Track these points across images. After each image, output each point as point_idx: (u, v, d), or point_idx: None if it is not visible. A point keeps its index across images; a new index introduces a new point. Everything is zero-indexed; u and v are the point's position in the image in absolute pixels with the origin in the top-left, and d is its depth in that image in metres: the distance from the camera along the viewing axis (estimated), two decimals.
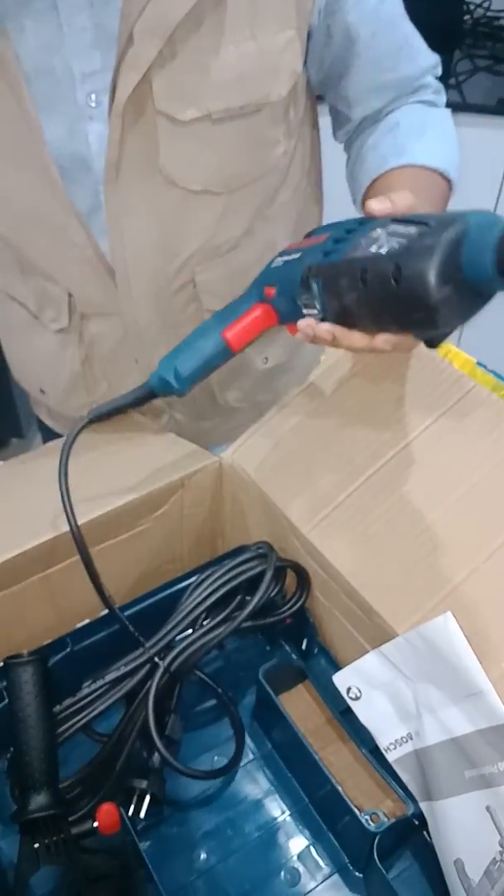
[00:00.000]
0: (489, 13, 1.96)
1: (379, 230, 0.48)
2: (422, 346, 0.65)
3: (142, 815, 0.59)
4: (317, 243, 0.54)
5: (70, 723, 0.60)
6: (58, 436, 0.94)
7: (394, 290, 0.44)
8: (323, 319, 0.53)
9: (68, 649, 0.64)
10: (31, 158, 0.65)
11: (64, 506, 0.61)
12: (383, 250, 0.45)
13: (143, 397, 0.66)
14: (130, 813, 0.58)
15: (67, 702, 0.60)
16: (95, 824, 0.55)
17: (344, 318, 0.51)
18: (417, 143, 0.75)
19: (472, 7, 1.96)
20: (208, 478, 0.72)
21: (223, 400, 0.90)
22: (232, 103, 0.66)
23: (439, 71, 0.81)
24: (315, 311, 0.53)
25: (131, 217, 0.69)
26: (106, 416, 0.66)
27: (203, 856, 0.59)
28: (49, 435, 1.02)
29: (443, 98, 0.83)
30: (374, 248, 0.46)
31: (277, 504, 0.66)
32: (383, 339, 0.51)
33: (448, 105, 1.93)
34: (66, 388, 0.87)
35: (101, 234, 0.71)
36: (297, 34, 0.67)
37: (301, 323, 0.54)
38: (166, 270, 0.74)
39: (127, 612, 0.66)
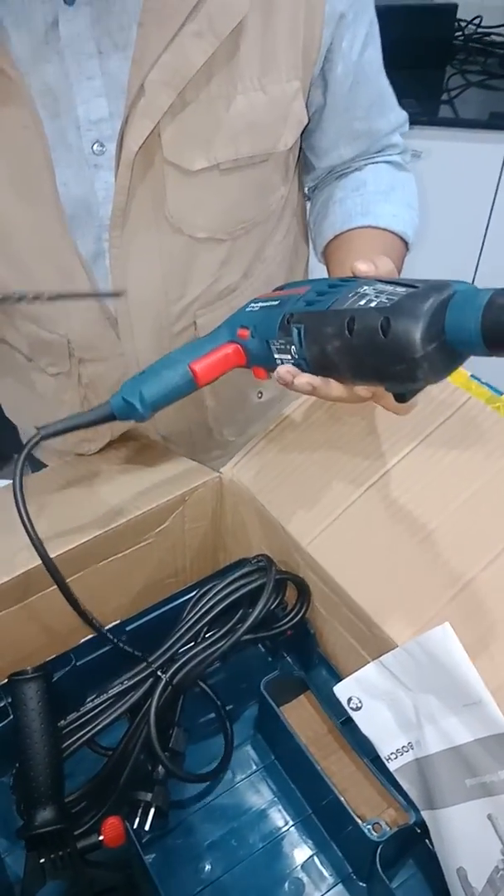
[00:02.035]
0: (480, 29, 1.99)
1: (366, 287, 0.50)
2: None
3: (147, 827, 0.59)
4: (297, 294, 0.56)
5: (75, 737, 0.60)
6: (41, 465, 0.95)
7: (380, 341, 0.46)
8: (297, 366, 0.55)
9: (72, 664, 0.64)
10: (43, 196, 0.64)
11: (26, 529, 0.59)
12: (372, 304, 0.48)
13: (101, 419, 0.65)
14: (135, 826, 0.59)
15: (72, 717, 0.61)
16: (101, 838, 0.56)
17: (321, 365, 0.53)
18: (383, 205, 0.78)
19: (463, 24, 1.99)
20: (209, 493, 0.72)
21: (219, 434, 0.91)
22: (241, 153, 0.66)
23: (406, 128, 0.83)
24: (287, 357, 0.56)
25: (135, 263, 0.69)
26: (58, 434, 0.64)
27: (208, 867, 0.60)
28: (39, 465, 1.01)
29: (408, 158, 0.86)
30: (362, 302, 0.49)
31: (277, 518, 0.67)
32: (359, 390, 0.53)
33: (441, 120, 1.97)
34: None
35: (102, 280, 0.71)
36: (302, 85, 0.68)
37: (281, 369, 0.55)
38: (168, 314, 0.74)
39: (130, 627, 0.67)
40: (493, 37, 1.99)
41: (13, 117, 0.60)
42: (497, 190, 1.84)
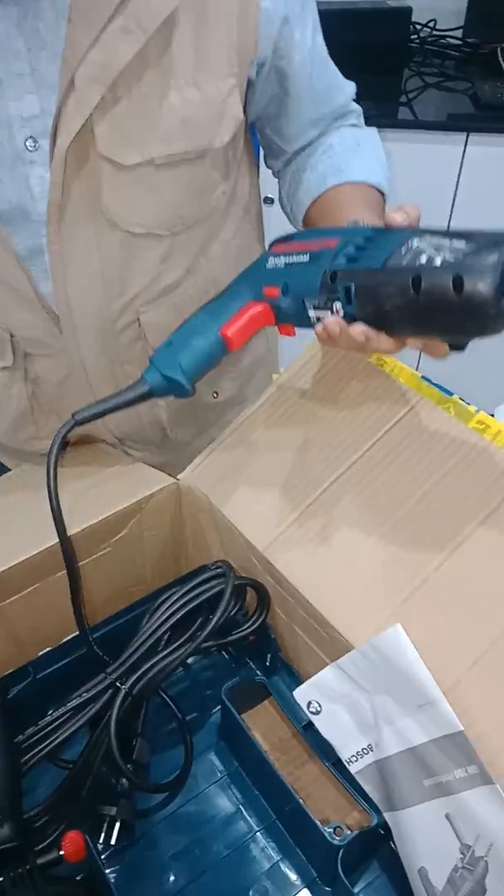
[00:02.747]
0: (435, 32, 2.01)
1: (416, 241, 0.50)
2: (367, 362, 0.67)
3: (112, 841, 0.59)
4: (327, 247, 0.55)
5: (34, 751, 0.60)
6: (6, 469, 0.93)
7: (452, 299, 0.46)
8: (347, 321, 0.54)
9: (31, 677, 0.64)
10: None
11: (53, 514, 0.62)
12: (437, 262, 0.48)
13: (137, 398, 0.63)
14: (101, 840, 0.58)
15: (30, 731, 0.60)
16: (61, 853, 0.55)
17: (374, 322, 0.53)
18: (353, 160, 0.79)
19: (418, 27, 2.00)
20: (166, 500, 0.72)
21: (174, 435, 0.90)
22: (175, 149, 0.67)
23: (354, 93, 0.85)
24: (327, 314, 0.55)
25: (74, 259, 0.69)
26: (93, 418, 0.64)
27: (172, 878, 0.59)
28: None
29: (362, 120, 0.87)
30: (423, 259, 0.49)
31: (234, 523, 0.66)
32: (412, 343, 0.53)
33: (400, 122, 1.98)
34: (13, 423, 0.86)
35: (42, 277, 0.71)
36: (238, 82, 0.68)
37: (330, 322, 0.54)
38: (110, 311, 0.74)
39: (91, 637, 0.66)
40: (449, 39, 2.01)
41: None
42: (456, 190, 1.86)
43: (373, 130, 0.85)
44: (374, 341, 0.53)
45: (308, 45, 0.73)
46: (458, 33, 2.00)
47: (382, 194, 0.78)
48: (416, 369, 0.67)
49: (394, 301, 0.50)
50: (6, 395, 0.82)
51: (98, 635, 0.67)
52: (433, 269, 0.48)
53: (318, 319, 0.56)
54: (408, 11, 1.90)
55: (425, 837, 0.52)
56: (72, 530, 0.67)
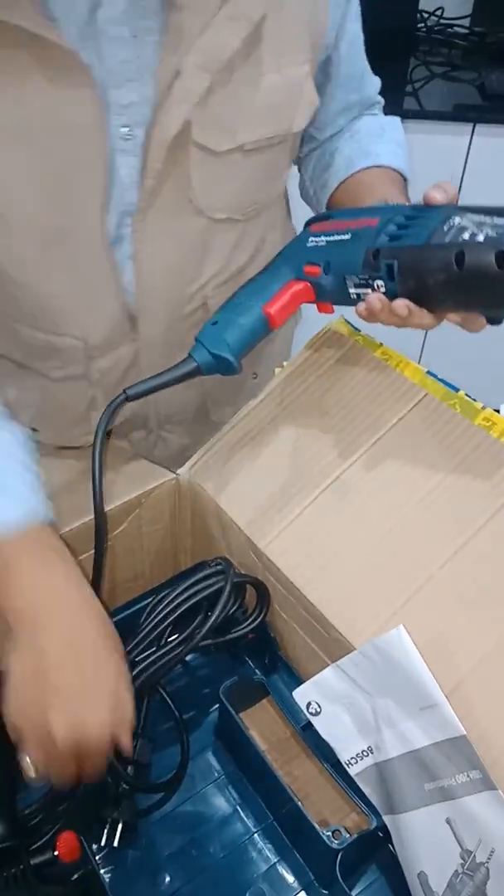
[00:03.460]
0: (442, 21, 1.98)
1: (457, 218, 0.52)
2: (371, 356, 0.66)
3: (115, 843, 0.58)
4: (368, 225, 0.57)
5: None
6: None
7: (495, 274, 0.48)
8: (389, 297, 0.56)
9: None
10: (91, 188, 0.63)
11: (94, 488, 0.62)
12: (479, 238, 0.50)
13: (185, 375, 0.65)
14: (103, 842, 0.57)
15: None
16: (55, 853, 0.54)
17: (416, 298, 0.54)
18: (379, 144, 0.81)
19: (425, 15, 1.98)
20: (166, 495, 0.71)
21: (217, 417, 0.90)
22: (261, 134, 0.67)
23: (379, 87, 0.87)
24: (368, 291, 0.57)
25: (157, 247, 0.69)
26: (144, 394, 0.65)
27: (167, 879, 0.58)
28: None
29: (382, 113, 0.89)
30: (466, 235, 0.50)
31: (234, 519, 0.65)
32: (451, 318, 0.55)
33: (405, 112, 1.96)
34: (69, 424, 0.82)
35: (122, 269, 0.70)
36: (311, 68, 0.70)
37: (372, 297, 0.56)
38: (182, 296, 0.74)
39: None
40: (456, 28, 1.98)
41: (75, 99, 0.58)
42: (462, 181, 1.84)
43: (396, 119, 0.86)
44: (416, 316, 0.55)
45: (354, 31, 0.75)
46: (466, 22, 1.98)
47: (405, 180, 0.80)
48: (419, 363, 0.66)
49: (437, 277, 0.52)
50: (69, 400, 0.79)
51: None
52: (476, 245, 0.49)
53: (359, 296, 0.58)
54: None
55: (425, 842, 0.51)
56: (70, 525, 0.66)
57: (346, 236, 0.59)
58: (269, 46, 0.64)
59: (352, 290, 0.58)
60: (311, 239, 0.62)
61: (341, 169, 0.80)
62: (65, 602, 0.58)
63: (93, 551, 0.66)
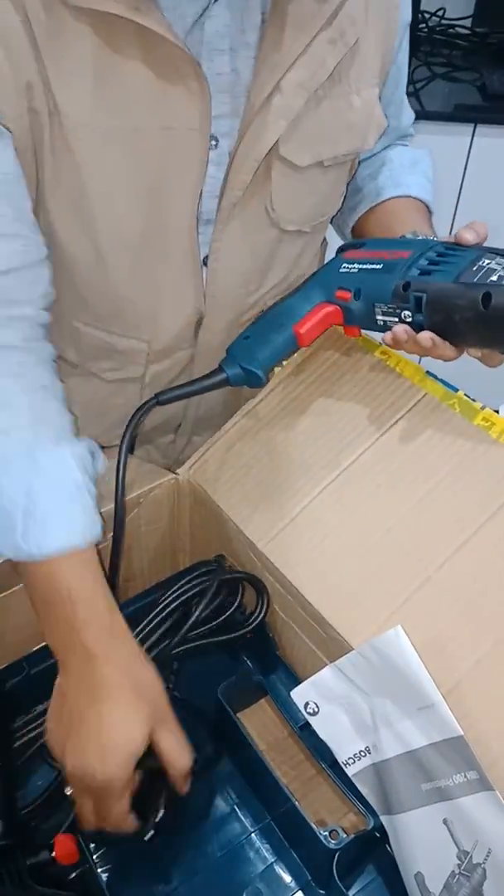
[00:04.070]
0: (444, 21, 1.98)
1: (488, 260, 0.55)
2: (370, 356, 0.66)
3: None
4: (401, 257, 0.60)
5: (28, 746, 0.59)
6: None
7: None
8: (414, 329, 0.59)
9: (25, 672, 0.63)
10: (185, 194, 0.64)
11: (117, 487, 0.63)
12: None
13: (214, 385, 0.68)
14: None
15: (23, 721, 0.59)
16: (52, 854, 0.54)
17: (441, 330, 0.57)
18: (410, 176, 0.83)
19: (427, 16, 1.98)
20: (165, 495, 0.71)
21: None
22: (339, 151, 0.70)
23: (413, 119, 0.89)
24: (395, 320, 0.60)
25: (231, 255, 0.70)
26: (174, 400, 0.68)
27: (165, 879, 0.58)
28: None
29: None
30: (494, 277, 0.53)
31: (233, 519, 0.65)
32: (472, 353, 0.59)
33: None
34: (109, 427, 0.81)
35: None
36: (379, 91, 0.72)
37: (398, 329, 0.59)
38: (244, 305, 0.76)
39: None
40: (457, 28, 1.98)
41: (182, 99, 0.60)
42: (463, 181, 1.84)
43: (427, 152, 0.89)
44: (439, 348, 0.58)
45: (402, 60, 0.76)
46: (467, 23, 1.97)
47: (430, 213, 0.83)
48: (422, 361, 0.66)
49: (463, 314, 0.54)
50: (117, 402, 0.80)
51: None
52: (502, 288, 0.52)
53: (385, 324, 0.61)
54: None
55: (422, 842, 0.51)
56: None
57: (379, 266, 0.61)
58: (354, 68, 0.67)
59: (379, 318, 0.61)
60: (345, 265, 0.64)
61: (371, 195, 0.83)
62: (120, 647, 0.56)
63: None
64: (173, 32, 0.55)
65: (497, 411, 0.62)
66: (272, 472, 0.66)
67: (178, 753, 0.54)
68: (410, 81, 1.88)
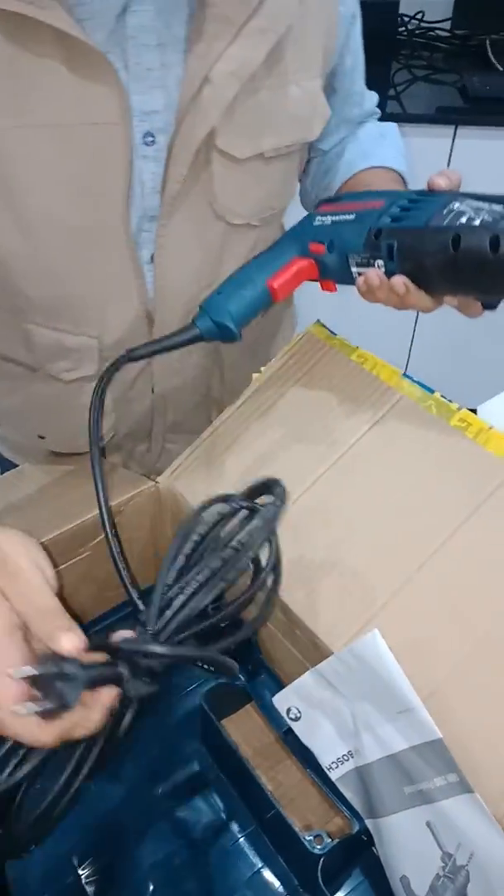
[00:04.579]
0: (423, 24, 1.99)
1: (457, 203, 0.54)
2: (347, 360, 0.66)
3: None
4: (372, 207, 0.60)
5: None
6: (13, 465, 0.92)
7: (488, 258, 0.50)
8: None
9: None
10: (114, 192, 0.64)
11: (92, 460, 0.62)
12: (476, 222, 0.52)
13: (187, 341, 0.67)
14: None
15: None
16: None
17: (415, 279, 0.57)
18: (380, 148, 0.84)
19: (406, 19, 1.99)
20: (146, 502, 0.71)
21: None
22: (282, 143, 0.70)
23: (377, 102, 0.90)
24: (370, 270, 0.59)
25: (177, 250, 0.70)
26: (144, 356, 0.67)
27: (151, 887, 0.58)
28: (6, 465, 0.98)
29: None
30: (463, 220, 0.52)
31: None
32: (448, 302, 0.58)
33: (388, 115, 1.96)
34: (76, 430, 0.79)
35: (144, 274, 0.72)
36: (322, 82, 0.72)
37: (371, 273, 0.59)
38: (199, 299, 0.75)
39: None
40: (437, 31, 2.00)
41: (101, 97, 0.59)
42: None
43: (394, 125, 0.89)
44: (413, 296, 0.57)
45: (357, 48, 0.77)
46: (447, 25, 1.99)
47: (404, 181, 0.83)
48: (406, 368, 0.66)
49: (434, 259, 0.54)
50: (79, 403, 0.79)
51: None
52: (472, 229, 0.51)
53: (360, 276, 0.60)
54: (395, 3, 1.88)
55: (407, 846, 0.51)
56: (49, 534, 0.65)
57: (351, 216, 0.61)
58: (291, 58, 0.66)
59: (354, 269, 0.61)
60: (318, 219, 0.64)
61: (343, 170, 0.83)
62: None
63: (74, 559, 0.66)
64: (80, 28, 0.55)
65: (474, 411, 0.62)
66: (250, 478, 0.66)
67: None
68: (391, 84, 1.90)
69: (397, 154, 0.85)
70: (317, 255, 0.64)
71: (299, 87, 0.68)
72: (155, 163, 0.66)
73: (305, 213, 0.90)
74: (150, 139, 0.65)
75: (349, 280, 0.62)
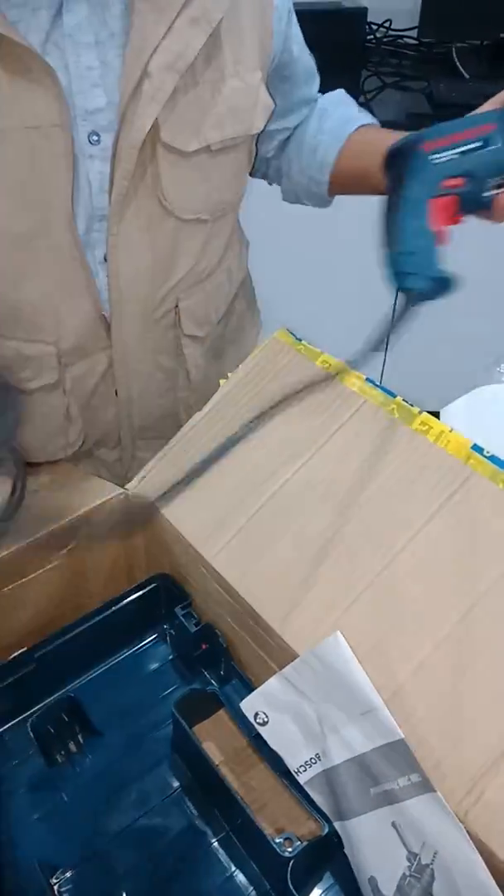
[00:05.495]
0: (391, 32, 2.01)
1: None
2: (312, 365, 0.67)
3: None
4: (491, 130, 0.60)
5: None
6: None
7: None
8: None
9: None
10: (58, 195, 0.64)
11: None
12: None
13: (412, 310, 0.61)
14: None
15: None
16: None
17: None
18: (349, 111, 0.85)
19: (375, 27, 2.00)
20: (116, 510, 0.71)
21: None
22: (226, 135, 0.70)
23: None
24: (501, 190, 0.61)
25: (129, 249, 0.70)
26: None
27: (123, 894, 0.58)
28: None
29: None
30: None
31: (182, 532, 0.66)
32: None
33: None
34: (46, 437, 0.82)
35: (95, 274, 0.71)
36: (263, 74, 0.73)
37: None
38: (155, 299, 0.75)
39: (41, 651, 0.65)
40: (405, 39, 2.01)
41: (39, 99, 0.59)
42: None
43: (341, 90, 0.90)
44: None
45: (298, 35, 0.79)
46: (414, 33, 2.01)
47: None
48: (382, 371, 0.66)
49: None
50: (45, 410, 0.80)
51: (47, 650, 0.66)
52: None
53: (489, 199, 0.61)
54: (363, 12, 1.90)
55: (374, 847, 0.51)
56: (18, 542, 0.65)
57: (479, 143, 0.60)
58: (228, 52, 0.67)
59: (486, 194, 0.62)
60: (433, 157, 0.61)
61: (332, 142, 0.83)
62: None
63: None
64: (14, 30, 0.55)
65: (436, 415, 0.63)
66: (219, 485, 0.67)
67: None
68: (361, 91, 1.91)
69: (361, 111, 0.87)
70: (457, 190, 0.61)
71: (239, 80, 0.69)
72: (101, 162, 0.66)
73: (290, 205, 0.93)
74: (95, 138, 0.65)
75: (480, 206, 0.62)
